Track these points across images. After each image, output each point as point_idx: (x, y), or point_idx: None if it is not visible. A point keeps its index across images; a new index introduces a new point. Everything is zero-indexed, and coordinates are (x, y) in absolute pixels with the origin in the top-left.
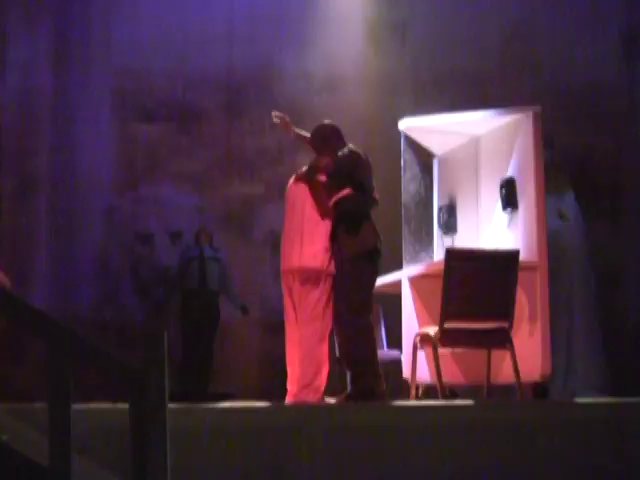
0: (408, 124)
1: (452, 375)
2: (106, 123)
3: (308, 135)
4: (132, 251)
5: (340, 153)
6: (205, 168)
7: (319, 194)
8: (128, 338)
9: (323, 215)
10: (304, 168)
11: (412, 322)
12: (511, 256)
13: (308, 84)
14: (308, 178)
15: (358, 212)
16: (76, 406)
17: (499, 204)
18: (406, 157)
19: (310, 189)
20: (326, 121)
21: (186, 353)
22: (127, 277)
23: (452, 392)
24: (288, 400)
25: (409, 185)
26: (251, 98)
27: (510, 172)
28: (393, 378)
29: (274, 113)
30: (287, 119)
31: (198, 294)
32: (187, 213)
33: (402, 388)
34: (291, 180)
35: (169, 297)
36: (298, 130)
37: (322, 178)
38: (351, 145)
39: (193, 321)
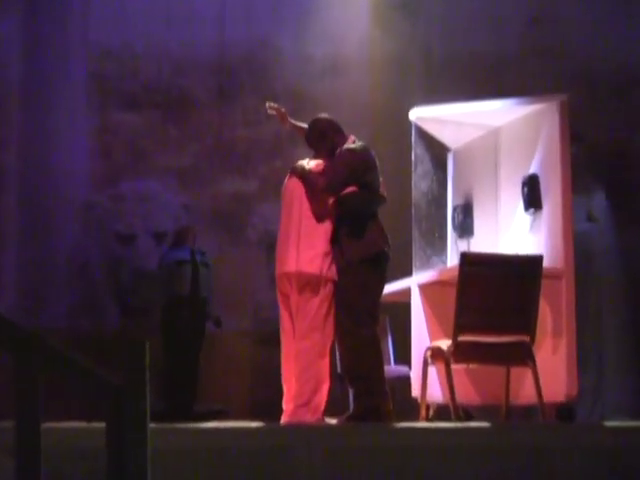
0: (419, 114)
1: (466, 394)
2: (83, 111)
3: (305, 127)
4: (112, 253)
5: (337, 155)
6: (194, 161)
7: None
8: (106, 350)
9: (323, 214)
10: (301, 162)
11: (422, 335)
12: (534, 262)
13: (308, 68)
14: (303, 181)
15: (363, 211)
16: (47, 425)
17: (521, 204)
18: (417, 151)
19: (306, 186)
20: (322, 115)
21: (170, 366)
22: (106, 282)
23: (466, 413)
24: (283, 420)
25: (420, 182)
26: (245, 84)
27: (533, 168)
28: (401, 397)
29: (268, 104)
30: (283, 110)
31: (189, 302)
32: (173, 211)
33: (411, 408)
34: (288, 175)
35: (153, 305)
36: (295, 122)
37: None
38: (351, 144)
39: (179, 331)
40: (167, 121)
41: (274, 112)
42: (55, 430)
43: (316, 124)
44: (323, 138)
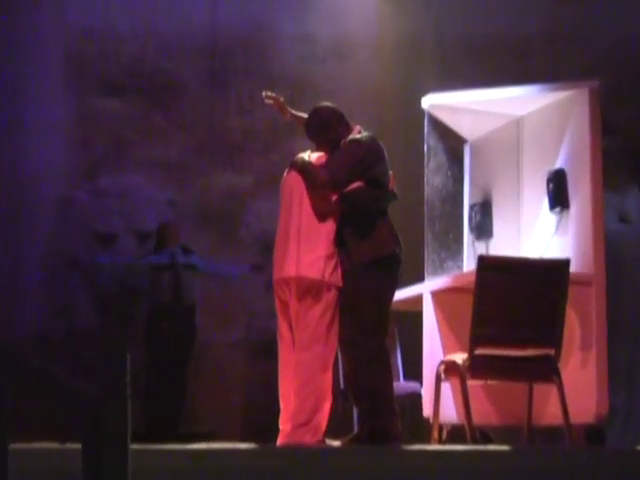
0: (433, 102)
1: (484, 414)
2: (59, 97)
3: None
4: (90, 255)
5: (341, 147)
6: (181, 154)
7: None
8: (83, 362)
9: (326, 212)
10: (301, 155)
11: (435, 347)
12: (560, 267)
13: (309, 50)
14: (304, 175)
15: (370, 208)
16: (15, 446)
17: (546, 202)
18: (430, 142)
19: (307, 181)
20: (324, 103)
21: (154, 381)
22: (83, 288)
23: (484, 435)
24: (280, 442)
25: (433, 177)
26: (239, 68)
27: (560, 163)
28: (411, 416)
29: (265, 93)
30: (281, 100)
31: (171, 311)
32: (159, 209)
33: (422, 429)
34: (286, 169)
35: (136, 312)
36: (295, 112)
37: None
38: (357, 135)
39: (163, 343)
40: (152, 109)
41: (271, 102)
42: (24, 452)
43: (317, 113)
44: (325, 129)
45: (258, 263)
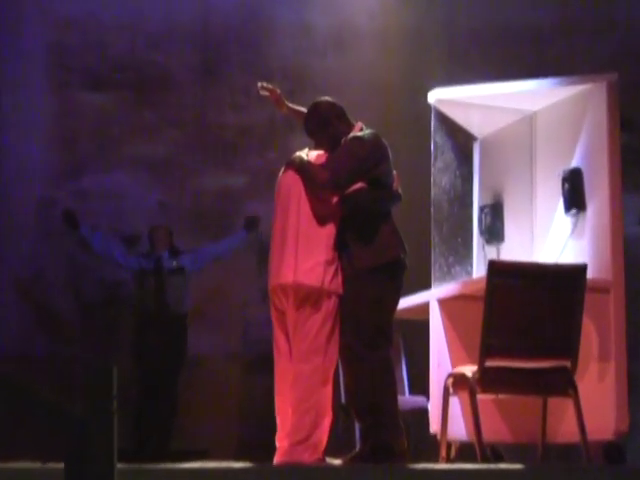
0: (441, 96)
1: (495, 430)
2: (40, 91)
3: (305, 111)
4: (72, 260)
5: (342, 145)
6: (172, 152)
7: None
8: (66, 377)
9: (325, 215)
10: (299, 153)
11: (443, 359)
12: (576, 273)
13: (309, 42)
14: (302, 175)
15: (373, 211)
16: None
17: (560, 204)
18: (437, 140)
19: (306, 182)
20: (323, 98)
21: (142, 395)
22: (66, 295)
23: (495, 452)
24: (277, 460)
25: (441, 177)
26: (233, 60)
27: (576, 161)
28: (417, 433)
29: (261, 84)
30: (278, 92)
31: (157, 320)
32: (147, 210)
33: (429, 446)
34: (283, 168)
35: (122, 323)
36: (293, 105)
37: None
38: (358, 132)
39: (151, 355)
40: (140, 104)
41: (267, 94)
42: (2, 472)
43: (317, 109)
44: (325, 125)
45: (252, 217)
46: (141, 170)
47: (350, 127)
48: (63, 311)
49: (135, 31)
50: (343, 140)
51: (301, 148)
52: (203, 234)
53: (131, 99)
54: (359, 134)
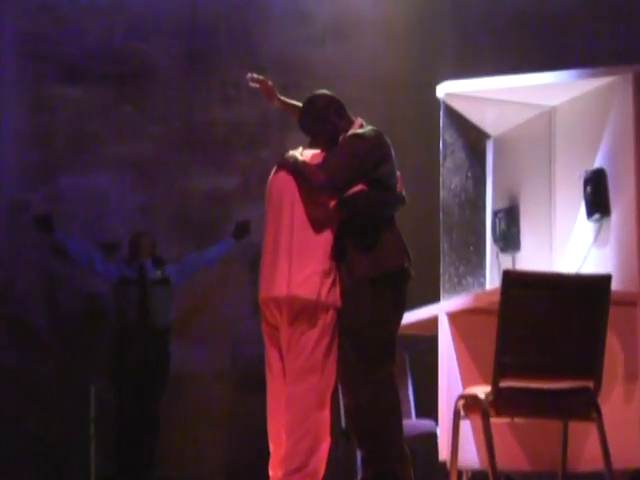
0: (451, 90)
1: (511, 457)
2: (10, 84)
3: (300, 105)
4: (46, 269)
5: (340, 143)
6: (155, 150)
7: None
8: (40, 397)
9: (322, 220)
10: (293, 152)
11: (453, 379)
12: (599, 284)
13: (305, 30)
14: (296, 176)
15: (375, 215)
16: None
17: (582, 208)
18: (447, 138)
19: (300, 183)
20: (321, 91)
21: (123, 419)
22: (39, 307)
23: None
24: None
25: (451, 178)
26: (223, 50)
27: (599, 161)
28: (425, 460)
29: (250, 76)
30: (270, 84)
31: (138, 334)
32: (128, 215)
33: (438, 475)
34: (274, 169)
35: (102, 337)
36: (286, 99)
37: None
38: (359, 129)
39: (132, 373)
40: (121, 97)
41: (258, 85)
42: None
43: (314, 103)
44: (322, 121)
45: (242, 223)
46: (122, 170)
47: (349, 124)
48: (36, 324)
49: (115, 17)
50: (341, 138)
51: (297, 146)
52: (190, 241)
53: (111, 92)
54: (359, 131)
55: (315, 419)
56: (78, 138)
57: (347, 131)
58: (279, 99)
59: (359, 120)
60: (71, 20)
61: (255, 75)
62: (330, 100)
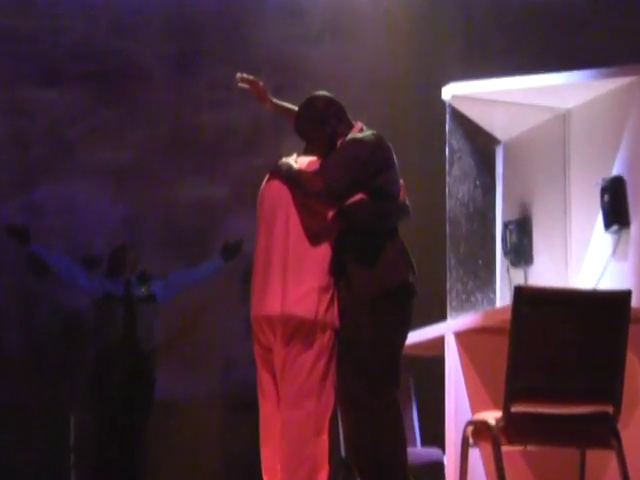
0: (457, 92)
1: None
2: None
3: (294, 108)
4: (21, 285)
5: (339, 149)
6: (139, 158)
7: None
8: (17, 425)
9: (319, 232)
10: (287, 159)
11: (461, 403)
12: (618, 300)
13: (301, 27)
14: (291, 185)
15: (377, 226)
16: None
17: (600, 218)
18: (453, 143)
19: (295, 192)
20: (319, 92)
21: (104, 447)
22: (15, 327)
23: None
24: None
25: (458, 186)
26: (214, 49)
27: (617, 168)
28: None
29: (240, 75)
30: (261, 84)
31: (122, 355)
32: (110, 228)
33: None
34: (266, 177)
35: (82, 359)
36: (279, 101)
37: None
38: (358, 134)
39: (115, 398)
40: (103, 100)
41: (248, 86)
42: None
43: (312, 104)
44: (320, 124)
45: (232, 244)
46: (104, 179)
47: (349, 127)
48: (11, 345)
49: (97, 15)
50: (340, 142)
51: (291, 153)
52: (176, 256)
53: (92, 95)
54: (359, 136)
55: (312, 447)
56: (56, 144)
57: (346, 135)
58: (272, 101)
59: (359, 124)
60: (49, 16)
61: (245, 75)
62: (329, 102)
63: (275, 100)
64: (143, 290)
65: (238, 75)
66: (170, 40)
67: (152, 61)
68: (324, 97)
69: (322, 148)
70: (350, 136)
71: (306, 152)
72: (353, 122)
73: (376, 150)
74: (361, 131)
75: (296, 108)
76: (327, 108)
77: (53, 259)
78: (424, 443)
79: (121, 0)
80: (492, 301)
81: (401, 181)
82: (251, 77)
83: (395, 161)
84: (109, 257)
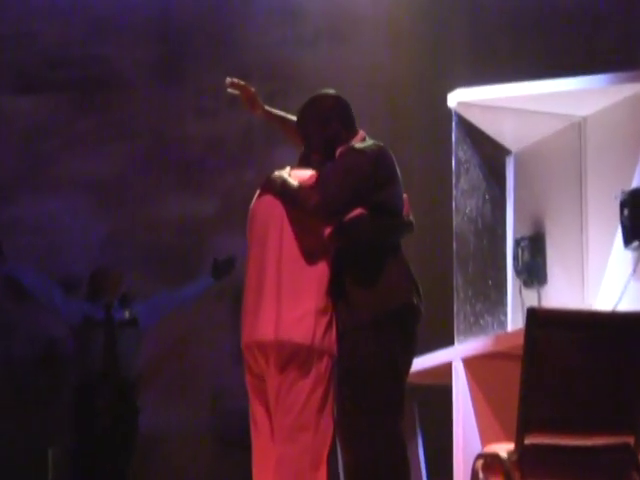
0: (464, 99)
1: None
2: None
3: (288, 117)
4: None
5: (338, 158)
6: (121, 171)
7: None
8: None
9: (316, 250)
10: (280, 173)
11: (470, 435)
12: (639, 323)
13: (295, 31)
14: (285, 200)
15: (378, 244)
16: None
17: (619, 234)
18: (460, 154)
19: (289, 208)
20: (327, 91)
21: None
22: None
23: None
24: None
25: (465, 201)
26: (200, 55)
27: (638, 180)
28: None
29: (230, 80)
30: (252, 90)
31: (103, 384)
32: (90, 246)
33: None
34: (257, 192)
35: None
36: (271, 109)
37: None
38: (359, 143)
39: (96, 428)
40: (82, 110)
41: (237, 91)
42: None
43: (317, 101)
44: (321, 123)
45: (223, 261)
46: (83, 194)
47: (351, 135)
48: None
49: (75, 19)
50: (339, 152)
51: (284, 166)
52: (160, 276)
53: (70, 103)
54: (359, 145)
55: None
56: (32, 156)
57: (348, 142)
58: (264, 109)
59: (361, 132)
60: (23, 21)
61: (235, 80)
62: (336, 102)
63: (267, 108)
64: (125, 314)
65: (228, 80)
66: (153, 45)
67: (134, 68)
68: (333, 96)
69: (320, 151)
70: (350, 146)
71: (301, 160)
72: (358, 130)
73: (379, 162)
74: (363, 140)
75: (290, 117)
76: (332, 108)
77: (28, 280)
78: (430, 477)
79: (99, 4)
80: (503, 324)
81: (405, 196)
82: (242, 82)
83: (398, 174)
84: (88, 278)
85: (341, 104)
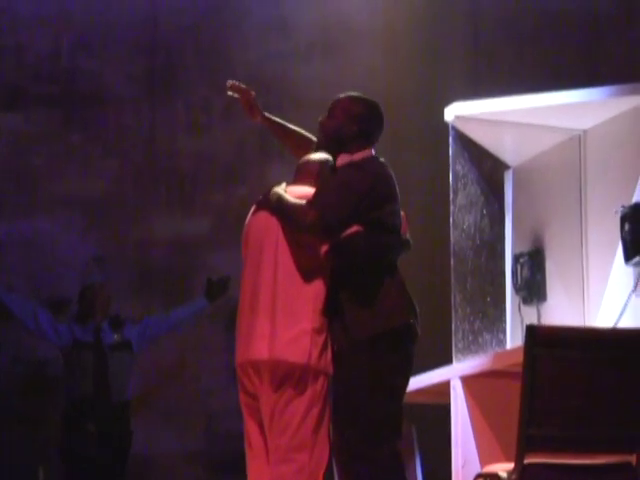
0: (462, 112)
1: None
2: None
3: (287, 125)
4: None
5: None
6: (110, 188)
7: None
8: None
9: (312, 268)
10: (276, 189)
11: (469, 454)
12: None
13: (288, 44)
14: (281, 217)
15: (375, 262)
16: None
17: (620, 250)
18: (458, 169)
19: (285, 225)
20: (374, 100)
21: None
22: None
23: None
24: None
25: (463, 216)
26: (190, 69)
27: (639, 194)
28: None
29: (231, 83)
30: (252, 94)
31: (94, 409)
32: (77, 267)
33: None
34: (252, 208)
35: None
36: (271, 116)
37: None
38: (359, 160)
39: (86, 455)
40: (68, 125)
41: (237, 95)
42: None
43: (358, 101)
44: (346, 119)
45: (216, 280)
46: (70, 213)
47: (362, 147)
48: None
49: (61, 32)
50: (338, 164)
51: (279, 182)
52: (151, 297)
53: (56, 119)
54: (357, 160)
55: None
56: (17, 174)
57: (354, 152)
58: (263, 115)
59: (372, 151)
60: (8, 34)
61: (236, 82)
62: (370, 111)
63: (267, 114)
64: (115, 337)
65: (229, 82)
66: (142, 58)
67: (123, 82)
68: (371, 104)
69: (327, 136)
70: (349, 161)
71: (297, 179)
72: (369, 148)
73: (377, 179)
74: (367, 158)
75: (289, 125)
76: (362, 113)
77: (13, 302)
78: None
79: (87, 16)
80: (502, 342)
81: (402, 213)
82: (243, 85)
83: (397, 192)
84: (77, 299)
85: (372, 115)
